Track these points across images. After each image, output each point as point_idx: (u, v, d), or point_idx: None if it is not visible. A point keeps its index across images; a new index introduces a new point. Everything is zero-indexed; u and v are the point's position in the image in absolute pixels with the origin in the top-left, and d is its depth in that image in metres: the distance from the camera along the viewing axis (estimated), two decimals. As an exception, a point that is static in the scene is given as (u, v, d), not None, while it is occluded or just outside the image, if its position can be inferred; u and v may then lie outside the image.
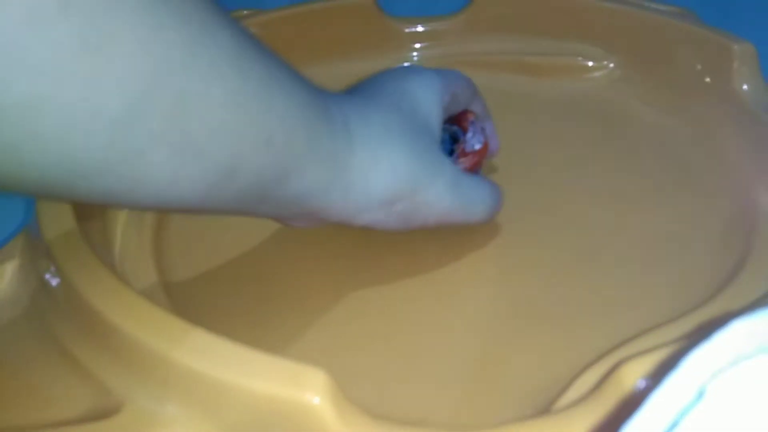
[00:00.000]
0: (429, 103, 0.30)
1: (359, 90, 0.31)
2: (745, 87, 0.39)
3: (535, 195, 0.37)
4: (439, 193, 0.29)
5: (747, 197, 0.35)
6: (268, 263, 0.33)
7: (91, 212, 0.30)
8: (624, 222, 0.35)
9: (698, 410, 0.13)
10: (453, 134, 0.34)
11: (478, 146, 0.34)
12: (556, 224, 0.35)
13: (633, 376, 0.21)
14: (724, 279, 0.30)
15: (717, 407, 0.13)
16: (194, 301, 0.30)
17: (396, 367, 0.28)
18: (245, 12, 0.46)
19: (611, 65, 0.45)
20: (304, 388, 0.21)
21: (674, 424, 0.14)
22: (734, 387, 0.13)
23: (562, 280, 0.32)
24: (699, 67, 0.41)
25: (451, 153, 0.34)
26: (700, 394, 0.14)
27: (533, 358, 0.28)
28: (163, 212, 0.34)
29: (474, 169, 0.34)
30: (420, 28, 0.48)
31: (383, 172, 0.28)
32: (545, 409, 0.24)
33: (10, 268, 0.28)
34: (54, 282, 0.26)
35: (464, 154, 0.33)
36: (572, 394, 0.24)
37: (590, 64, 0.46)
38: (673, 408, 0.14)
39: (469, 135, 0.34)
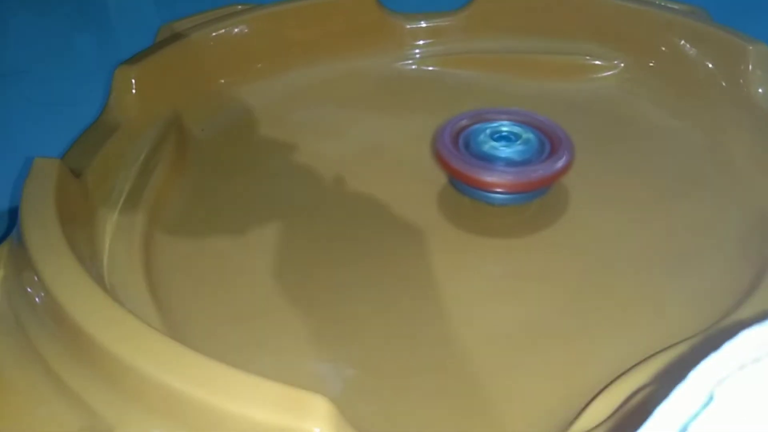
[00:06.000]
0: None
1: None
2: (760, 90, 0.38)
3: (541, 201, 0.35)
4: None
5: (762, 204, 0.34)
6: (261, 276, 0.31)
7: (78, 219, 0.28)
8: (634, 230, 0.34)
9: (706, 414, 0.13)
10: None
11: None
12: (564, 233, 0.34)
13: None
14: (743, 291, 0.29)
15: (725, 411, 0.13)
16: (187, 314, 0.29)
17: (401, 387, 0.27)
18: (239, 7, 0.44)
19: (621, 65, 0.44)
20: (304, 417, 0.19)
21: (683, 429, 0.13)
22: (742, 390, 0.13)
23: (573, 293, 0.30)
24: (712, 68, 0.40)
25: None
26: (709, 399, 0.14)
27: (545, 377, 0.27)
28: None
29: None
30: (422, 24, 0.46)
31: None
32: (560, 434, 0.23)
33: (-7, 279, 0.27)
34: (38, 296, 0.24)
35: None
36: (588, 418, 0.23)
37: (599, 63, 0.44)
38: (683, 414, 0.14)
39: None
